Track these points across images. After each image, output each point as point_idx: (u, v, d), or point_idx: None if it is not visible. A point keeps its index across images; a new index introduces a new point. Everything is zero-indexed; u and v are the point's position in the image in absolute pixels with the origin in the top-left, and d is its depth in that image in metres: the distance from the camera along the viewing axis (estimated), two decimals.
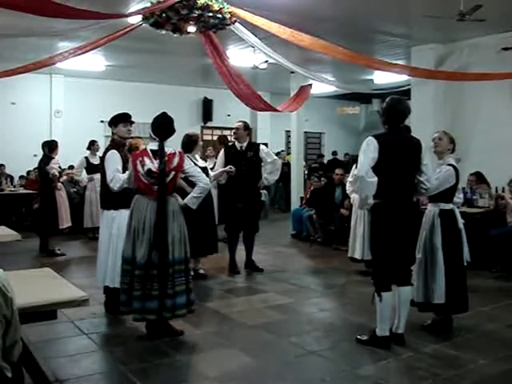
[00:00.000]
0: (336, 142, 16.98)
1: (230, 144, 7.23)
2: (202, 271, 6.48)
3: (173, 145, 4.39)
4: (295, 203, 11.06)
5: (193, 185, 4.44)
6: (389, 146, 4.02)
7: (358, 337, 4.26)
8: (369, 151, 3.99)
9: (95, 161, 9.09)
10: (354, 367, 3.71)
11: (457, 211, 4.60)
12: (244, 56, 9.58)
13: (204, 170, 6.13)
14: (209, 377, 3.59)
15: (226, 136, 9.72)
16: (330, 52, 6.74)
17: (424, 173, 4.15)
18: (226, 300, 5.65)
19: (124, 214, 4.68)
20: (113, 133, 5.01)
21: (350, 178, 6.99)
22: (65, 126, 12.86)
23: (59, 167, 8.46)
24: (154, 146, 4.28)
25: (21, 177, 12.01)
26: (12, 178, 11.67)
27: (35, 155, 12.36)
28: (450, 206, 4.52)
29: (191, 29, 6.13)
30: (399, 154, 4.05)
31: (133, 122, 5.01)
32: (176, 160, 4.23)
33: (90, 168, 9.37)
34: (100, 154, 8.97)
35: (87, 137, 10.13)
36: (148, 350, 4.04)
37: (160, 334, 4.27)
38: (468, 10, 6.08)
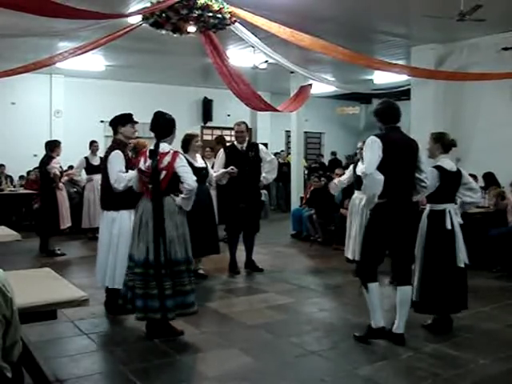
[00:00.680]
0: (336, 142, 16.98)
1: (230, 145, 7.21)
2: (201, 271, 6.48)
3: (175, 145, 4.42)
4: (295, 203, 11.07)
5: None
6: (390, 146, 4.08)
7: (356, 334, 4.30)
8: (375, 149, 4.03)
9: (95, 161, 9.07)
10: (354, 367, 3.71)
11: (449, 212, 4.52)
12: (244, 56, 9.58)
13: (203, 170, 6.15)
14: (209, 377, 3.59)
15: (223, 136, 9.65)
16: (330, 52, 6.74)
17: (422, 171, 4.22)
18: (226, 300, 5.65)
19: (125, 215, 4.70)
20: (117, 133, 4.94)
21: (338, 179, 6.94)
22: (65, 126, 12.85)
23: (60, 167, 8.43)
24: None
25: (21, 177, 12.00)
26: (11, 178, 11.65)
27: (35, 155, 12.37)
28: (440, 207, 4.53)
29: (191, 29, 6.13)
30: (400, 153, 4.12)
31: (136, 122, 5.03)
32: (167, 159, 4.20)
33: (90, 168, 9.37)
34: (100, 154, 9.01)
35: (87, 137, 10.14)
36: (148, 350, 4.04)
37: (160, 334, 4.27)
38: (468, 10, 6.08)
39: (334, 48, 6.63)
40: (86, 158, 9.41)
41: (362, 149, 5.32)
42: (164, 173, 4.19)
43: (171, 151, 4.28)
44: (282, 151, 15.39)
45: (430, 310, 4.58)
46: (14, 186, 11.22)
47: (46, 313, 2.92)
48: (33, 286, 3.17)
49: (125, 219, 4.73)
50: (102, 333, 4.52)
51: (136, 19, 6.39)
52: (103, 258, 4.87)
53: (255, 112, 12.73)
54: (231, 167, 6.46)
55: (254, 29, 6.60)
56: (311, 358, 3.94)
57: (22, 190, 10.95)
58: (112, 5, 6.66)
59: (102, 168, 4.95)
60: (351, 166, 6.72)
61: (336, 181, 6.95)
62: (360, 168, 4.40)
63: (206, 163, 6.45)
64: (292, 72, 10.07)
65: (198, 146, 6.28)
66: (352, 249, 6.46)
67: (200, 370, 3.72)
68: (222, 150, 6.99)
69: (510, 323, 4.81)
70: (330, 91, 13.10)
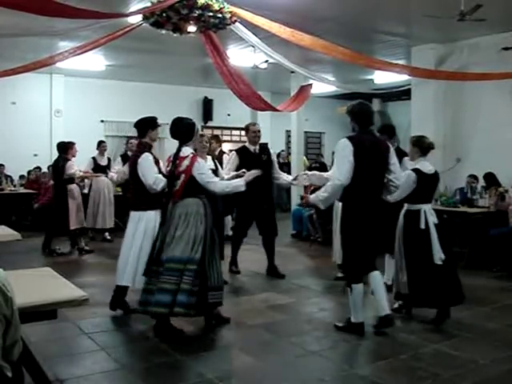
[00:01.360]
0: (336, 141, 16.78)
1: (241, 146, 6.93)
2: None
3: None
4: (295, 203, 11.06)
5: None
6: (362, 148, 4.24)
7: (336, 323, 4.53)
8: (347, 156, 4.21)
9: (103, 162, 8.98)
10: (354, 367, 3.71)
11: (424, 212, 4.68)
12: (244, 56, 9.58)
13: (213, 172, 6.09)
14: (209, 377, 3.59)
15: (218, 135, 9.56)
16: (331, 52, 6.74)
17: (392, 171, 4.39)
18: (225, 300, 5.61)
19: (151, 215, 4.83)
20: (145, 135, 5.04)
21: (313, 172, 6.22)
22: (65, 126, 12.84)
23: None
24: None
25: (21, 176, 12.00)
26: (11, 177, 11.64)
27: (35, 155, 12.41)
28: (416, 207, 4.71)
29: (191, 28, 6.12)
30: (370, 155, 4.28)
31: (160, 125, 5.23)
32: (185, 163, 4.33)
33: (97, 169, 9.24)
34: (107, 154, 9.06)
35: (87, 137, 10.16)
36: (148, 350, 4.04)
37: (160, 333, 4.29)
38: (468, 10, 6.08)
39: (334, 48, 6.62)
40: (94, 158, 9.25)
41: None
42: (183, 176, 4.31)
43: (190, 155, 4.39)
44: (283, 151, 15.39)
45: (420, 303, 4.80)
46: (14, 186, 11.21)
47: (45, 312, 2.92)
48: (33, 285, 3.17)
49: (150, 219, 4.82)
50: (103, 332, 4.52)
51: (136, 19, 6.39)
52: (124, 257, 4.92)
53: (255, 112, 12.70)
54: (242, 170, 6.00)
55: (254, 28, 6.60)
56: (311, 357, 3.95)
57: (22, 190, 10.95)
58: (112, 4, 6.65)
59: (131, 170, 5.03)
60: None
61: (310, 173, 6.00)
62: (332, 174, 4.46)
63: (216, 165, 6.36)
64: (292, 72, 10.07)
65: (204, 147, 5.91)
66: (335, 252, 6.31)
67: (200, 370, 3.71)
68: (234, 152, 6.80)
69: (510, 323, 4.81)
70: (330, 91, 13.09)
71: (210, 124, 15.07)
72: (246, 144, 6.74)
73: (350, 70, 10.75)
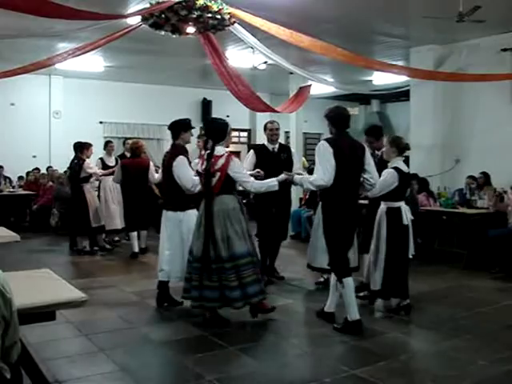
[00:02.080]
0: None
1: (260, 145, 6.76)
2: None
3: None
4: (294, 204, 11.04)
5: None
6: (340, 150, 4.40)
7: (335, 325, 4.56)
8: (328, 159, 4.35)
9: (110, 162, 8.97)
10: (354, 368, 3.70)
11: (404, 209, 4.96)
12: (243, 57, 9.58)
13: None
14: (208, 377, 3.59)
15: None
16: (330, 53, 6.74)
17: (368, 171, 4.56)
18: None
19: (191, 214, 5.02)
20: (178, 137, 5.18)
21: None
22: (64, 127, 12.84)
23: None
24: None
25: (20, 178, 11.99)
26: (10, 179, 11.63)
27: (34, 156, 12.41)
28: (396, 205, 4.94)
29: (190, 30, 6.13)
30: (348, 156, 4.43)
31: (194, 128, 5.44)
32: (221, 162, 4.47)
33: (106, 169, 9.19)
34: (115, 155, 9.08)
35: (87, 138, 10.08)
36: (147, 351, 4.04)
37: (211, 324, 4.60)
38: (467, 11, 6.09)
39: (333, 49, 6.63)
40: (101, 158, 9.08)
41: (371, 142, 5.53)
42: (218, 174, 4.45)
43: (225, 154, 4.54)
44: None
45: (394, 295, 5.06)
46: (13, 187, 11.20)
47: (44, 314, 2.91)
48: (32, 286, 3.16)
49: (192, 219, 4.96)
50: (101, 334, 4.51)
51: (135, 20, 6.39)
52: (177, 256, 5.10)
53: (254, 113, 12.75)
54: (257, 170, 5.64)
55: (253, 30, 6.60)
56: (311, 358, 3.94)
57: (20, 191, 10.94)
58: (111, 5, 6.66)
59: (166, 172, 5.18)
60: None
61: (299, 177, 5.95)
62: (316, 177, 4.52)
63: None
64: (291, 73, 10.07)
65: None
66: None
67: (200, 371, 3.71)
68: (251, 150, 6.51)
69: (509, 324, 4.81)
70: (329, 92, 13.09)
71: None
72: (265, 142, 6.49)
73: (348, 71, 10.76)
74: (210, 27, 6.18)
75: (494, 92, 8.22)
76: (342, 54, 6.71)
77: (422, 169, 8.96)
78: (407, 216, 4.96)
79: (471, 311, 5.14)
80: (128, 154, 8.41)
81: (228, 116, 14.20)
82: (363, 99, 16.20)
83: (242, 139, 15.65)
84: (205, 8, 5.80)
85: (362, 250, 5.68)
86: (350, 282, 4.46)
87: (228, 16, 6.06)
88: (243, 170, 4.66)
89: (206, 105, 14.79)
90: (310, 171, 6.20)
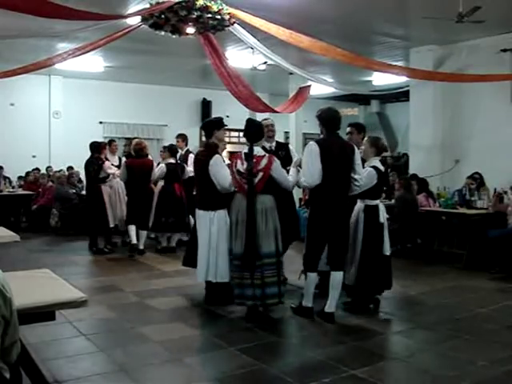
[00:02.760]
0: None
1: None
2: None
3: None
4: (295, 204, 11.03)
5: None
6: (328, 151, 4.56)
7: (292, 305, 4.97)
8: (315, 159, 4.52)
9: (115, 161, 8.91)
10: (354, 368, 3.70)
11: (381, 207, 5.09)
12: (243, 57, 9.59)
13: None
14: (208, 377, 3.59)
15: (184, 135, 9.32)
16: (329, 53, 6.74)
17: (357, 172, 4.71)
18: None
19: (221, 214, 5.14)
20: (211, 136, 5.26)
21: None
22: (64, 127, 12.85)
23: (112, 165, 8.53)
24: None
25: (19, 177, 11.98)
26: (9, 179, 11.62)
27: (34, 156, 12.42)
28: (374, 203, 5.06)
29: (190, 30, 6.13)
30: (336, 156, 4.59)
31: (226, 126, 5.46)
32: (264, 162, 4.63)
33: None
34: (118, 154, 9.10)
35: (86, 138, 10.10)
36: (147, 352, 4.04)
37: (257, 320, 4.74)
38: (467, 12, 6.10)
39: (333, 49, 6.63)
40: (106, 158, 9.07)
41: (351, 133, 5.58)
42: (261, 174, 4.60)
43: (267, 155, 4.72)
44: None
45: (364, 292, 5.14)
46: (13, 187, 11.19)
47: (44, 314, 2.91)
48: (31, 286, 3.16)
49: (222, 218, 5.11)
50: (101, 334, 4.51)
51: (135, 20, 6.40)
52: (204, 255, 5.16)
53: (254, 113, 12.70)
54: None
55: (252, 30, 6.61)
56: (311, 358, 3.94)
57: (20, 191, 10.93)
58: (111, 6, 6.66)
59: (199, 171, 5.27)
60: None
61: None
62: (301, 180, 4.69)
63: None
64: (291, 73, 10.08)
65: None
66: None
67: (199, 371, 3.71)
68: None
69: (508, 324, 4.81)
70: (328, 92, 13.09)
71: None
72: (263, 141, 6.53)
73: (348, 71, 10.76)
74: (209, 27, 6.18)
75: (494, 92, 8.22)
76: (342, 55, 6.71)
77: (421, 169, 8.97)
78: (383, 214, 5.09)
79: (471, 311, 5.14)
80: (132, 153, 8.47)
81: (228, 116, 14.20)
82: (363, 99, 16.20)
83: (242, 139, 15.63)
84: (204, 8, 5.80)
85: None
86: (313, 277, 4.81)
87: (228, 16, 6.07)
88: (283, 170, 4.78)
89: (206, 105, 14.80)
90: None
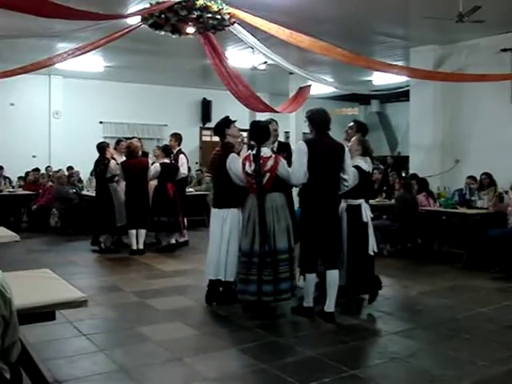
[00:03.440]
0: None
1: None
2: None
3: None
4: (295, 204, 11.03)
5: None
6: (317, 150, 4.64)
7: (292, 306, 4.98)
8: (301, 158, 4.61)
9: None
10: (353, 368, 3.70)
11: (363, 206, 5.06)
12: (243, 57, 9.59)
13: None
14: (208, 377, 3.59)
15: (178, 134, 9.31)
16: (330, 53, 6.74)
17: (346, 171, 4.76)
18: None
19: (234, 212, 5.19)
20: (225, 136, 5.33)
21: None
22: (64, 127, 12.86)
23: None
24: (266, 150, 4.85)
25: (19, 178, 11.98)
26: (10, 179, 11.63)
27: (34, 156, 12.42)
28: (357, 202, 5.05)
29: (190, 30, 6.13)
30: (325, 156, 4.66)
31: (235, 121, 5.48)
32: (270, 163, 4.73)
33: None
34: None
35: (86, 138, 10.16)
36: (147, 351, 4.04)
37: (260, 316, 4.80)
38: (467, 12, 6.10)
39: (333, 49, 6.63)
40: (113, 158, 8.75)
41: (351, 128, 5.64)
42: (268, 175, 4.72)
43: (273, 155, 4.82)
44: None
45: (354, 292, 5.15)
46: (13, 187, 11.19)
47: (44, 314, 2.91)
48: (31, 286, 3.16)
49: (234, 216, 5.17)
50: (101, 334, 4.51)
51: (135, 20, 6.39)
52: (215, 252, 5.20)
53: (254, 113, 12.72)
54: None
55: (253, 30, 6.60)
56: (311, 358, 3.94)
57: (20, 191, 10.93)
58: (111, 6, 6.66)
59: (216, 169, 5.33)
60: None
61: None
62: (293, 175, 4.77)
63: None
64: (291, 73, 10.08)
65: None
66: None
67: (200, 371, 3.71)
68: (249, 151, 6.60)
69: (508, 324, 4.81)
70: (329, 92, 13.10)
71: (208, 125, 15.09)
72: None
73: (348, 71, 10.77)
74: (209, 27, 6.18)
75: (494, 92, 8.22)
76: (342, 54, 6.71)
77: (421, 169, 8.97)
78: (367, 213, 5.08)
79: (471, 311, 5.14)
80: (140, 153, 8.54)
81: (228, 116, 14.30)
82: (363, 99, 16.20)
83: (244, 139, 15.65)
84: (205, 8, 5.80)
85: None
86: (312, 277, 4.82)
87: (228, 16, 6.06)
88: (289, 170, 4.83)
89: (206, 105, 14.81)
90: None
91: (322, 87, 11.05)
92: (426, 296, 5.78)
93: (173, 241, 8.38)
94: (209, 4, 5.81)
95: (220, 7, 5.92)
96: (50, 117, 12.92)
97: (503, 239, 6.84)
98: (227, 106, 13.20)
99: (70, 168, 11.50)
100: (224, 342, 4.30)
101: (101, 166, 8.24)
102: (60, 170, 11.41)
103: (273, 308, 4.96)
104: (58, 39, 8.70)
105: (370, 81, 12.70)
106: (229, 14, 6.06)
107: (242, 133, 6.04)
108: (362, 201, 5.07)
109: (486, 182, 7.93)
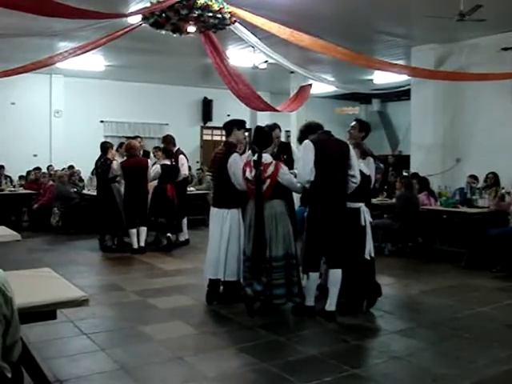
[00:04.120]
0: None
1: None
2: None
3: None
4: (296, 203, 11.01)
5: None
6: (323, 149, 4.63)
7: (292, 305, 4.93)
8: (307, 156, 4.61)
9: None
10: (354, 367, 3.70)
11: (363, 210, 4.98)
12: (244, 56, 9.58)
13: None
14: (208, 377, 3.59)
15: (170, 136, 9.27)
16: (330, 52, 6.74)
17: (353, 167, 4.74)
18: None
19: (234, 212, 5.20)
20: (231, 135, 5.34)
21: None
22: (65, 127, 12.86)
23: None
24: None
25: (20, 177, 11.99)
26: (11, 178, 11.63)
27: (35, 155, 12.42)
28: (356, 205, 4.95)
29: (191, 29, 6.13)
30: (333, 154, 4.66)
31: (249, 130, 5.36)
32: (271, 169, 4.72)
33: None
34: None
35: (87, 137, 10.15)
36: (148, 350, 4.04)
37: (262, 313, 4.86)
38: (468, 10, 6.09)
39: (333, 48, 6.63)
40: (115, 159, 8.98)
41: (353, 127, 5.60)
42: (268, 181, 4.71)
43: (274, 162, 4.79)
44: None
45: (351, 294, 5.04)
46: (14, 186, 11.20)
47: (45, 313, 2.91)
48: (32, 285, 3.16)
49: (234, 216, 5.18)
50: (102, 333, 4.51)
51: (136, 19, 6.39)
52: (214, 252, 5.22)
53: (255, 112, 12.73)
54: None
55: (253, 29, 6.60)
56: (311, 358, 3.94)
57: (21, 190, 10.94)
58: (112, 4, 6.66)
59: (217, 169, 5.32)
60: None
61: None
62: (297, 173, 4.82)
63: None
64: (292, 72, 10.08)
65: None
66: None
67: (200, 370, 3.71)
68: (249, 151, 6.31)
69: (509, 323, 4.81)
70: (329, 91, 13.10)
71: (209, 124, 15.09)
72: None
73: (349, 70, 10.76)
74: (210, 26, 6.18)
75: (495, 91, 8.21)
76: (343, 53, 6.71)
77: (422, 168, 8.96)
78: (366, 217, 4.99)
79: (472, 310, 5.14)
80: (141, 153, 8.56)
81: (229, 115, 14.26)
82: (364, 98, 16.19)
83: None
84: (205, 7, 5.80)
85: None
86: (315, 276, 4.81)
87: (229, 15, 6.06)
88: (290, 174, 4.85)
89: (207, 104, 14.81)
90: None
91: (322, 86, 11.06)
92: (427, 295, 5.78)
93: (164, 241, 8.35)
94: (210, 3, 5.81)
95: (221, 6, 5.92)
96: (50, 116, 12.92)
97: (504, 238, 6.83)
98: (228, 105, 13.28)
99: (70, 167, 11.50)
100: (225, 341, 4.31)
101: (103, 166, 8.25)
102: (63, 169, 11.42)
103: (274, 306, 4.93)
104: (59, 38, 8.70)
105: (371, 80, 12.69)
106: (229, 13, 6.06)
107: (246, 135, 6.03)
108: (361, 204, 4.99)
109: (492, 181, 7.91)
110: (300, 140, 5.30)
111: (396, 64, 8.85)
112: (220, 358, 3.95)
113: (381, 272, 5.42)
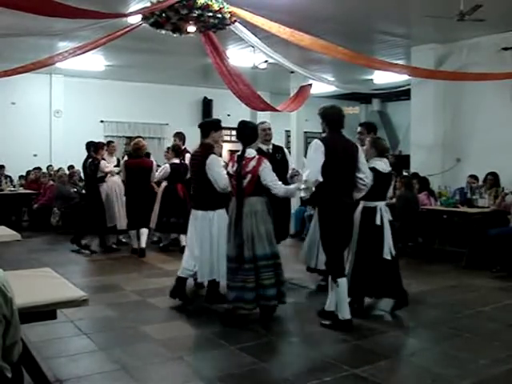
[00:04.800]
0: None
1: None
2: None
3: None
4: (296, 203, 11.02)
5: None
6: (333, 149, 4.44)
7: (322, 322, 4.61)
8: (317, 155, 4.40)
9: (112, 162, 8.88)
10: (355, 367, 3.70)
11: (380, 209, 4.89)
12: (244, 56, 9.58)
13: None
14: (208, 376, 3.59)
15: (181, 133, 9.27)
16: (330, 52, 6.73)
17: (362, 171, 4.58)
18: None
19: (221, 213, 5.15)
20: (208, 136, 5.25)
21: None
22: (65, 126, 12.85)
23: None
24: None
25: (20, 177, 11.99)
26: (11, 178, 11.63)
27: (35, 155, 12.42)
28: (373, 204, 4.89)
29: (191, 29, 6.12)
30: (341, 155, 4.47)
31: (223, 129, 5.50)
32: (252, 164, 4.56)
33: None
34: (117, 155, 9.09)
35: (87, 137, 10.08)
36: (147, 350, 4.04)
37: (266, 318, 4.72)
38: (468, 10, 6.09)
39: (334, 48, 6.62)
40: (103, 159, 8.71)
41: (361, 133, 5.59)
42: (249, 176, 4.54)
43: (256, 156, 4.64)
44: None
45: (358, 294, 4.96)
46: (14, 186, 11.20)
47: (45, 313, 2.91)
48: (32, 285, 3.17)
49: (221, 217, 5.12)
50: (102, 333, 4.52)
51: (136, 19, 6.39)
52: (207, 255, 5.14)
53: (255, 112, 12.72)
54: (295, 169, 5.90)
55: (253, 29, 6.60)
56: (311, 358, 3.94)
57: (21, 190, 10.94)
58: (112, 4, 6.65)
59: (195, 170, 5.25)
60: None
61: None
62: (305, 174, 4.57)
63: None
64: (292, 72, 10.07)
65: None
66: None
67: (200, 370, 3.71)
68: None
69: (510, 323, 4.81)
70: (330, 91, 13.09)
71: None
72: (259, 144, 6.32)
73: (349, 70, 10.76)
74: (210, 26, 6.17)
75: (495, 91, 8.20)
76: (343, 53, 6.70)
77: (422, 168, 8.96)
78: (383, 216, 4.88)
79: (472, 310, 5.14)
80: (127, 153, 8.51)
81: (229, 115, 14.28)
82: (364, 98, 16.19)
83: None
84: (205, 7, 5.79)
85: None
86: (343, 281, 4.50)
87: (229, 15, 6.06)
88: (273, 174, 4.65)
89: (207, 104, 14.79)
90: None
91: (322, 86, 11.04)
92: (428, 295, 5.78)
93: (183, 243, 8.26)
94: (210, 3, 5.80)
95: (221, 6, 5.91)
96: (50, 116, 12.91)
97: (504, 238, 6.84)
98: (228, 105, 13.27)
99: (70, 167, 11.50)
100: (225, 340, 4.30)
101: (91, 166, 8.18)
102: (62, 168, 11.42)
103: (273, 307, 4.84)
104: (59, 38, 8.69)
105: (371, 80, 12.68)
106: (229, 12, 6.05)
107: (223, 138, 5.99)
108: (378, 203, 4.89)
109: (491, 182, 7.90)
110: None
111: (396, 64, 8.84)
112: (220, 357, 3.95)
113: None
